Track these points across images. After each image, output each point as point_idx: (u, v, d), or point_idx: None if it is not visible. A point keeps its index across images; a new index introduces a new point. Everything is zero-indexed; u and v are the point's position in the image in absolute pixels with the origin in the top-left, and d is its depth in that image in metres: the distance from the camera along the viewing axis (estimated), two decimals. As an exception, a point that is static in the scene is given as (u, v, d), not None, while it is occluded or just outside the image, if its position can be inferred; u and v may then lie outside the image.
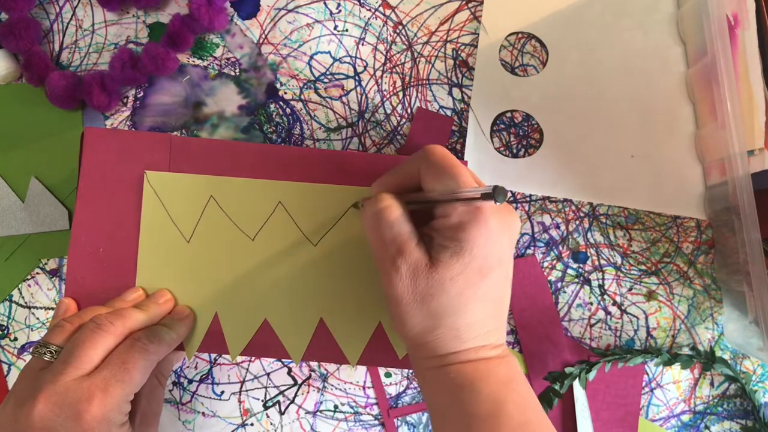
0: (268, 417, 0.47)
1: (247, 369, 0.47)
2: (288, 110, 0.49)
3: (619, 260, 0.49)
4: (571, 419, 0.47)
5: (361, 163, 0.43)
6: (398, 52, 0.50)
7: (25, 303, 0.48)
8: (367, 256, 0.42)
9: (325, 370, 0.48)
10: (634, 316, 0.48)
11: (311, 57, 0.50)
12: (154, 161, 0.42)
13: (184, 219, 0.42)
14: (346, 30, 0.50)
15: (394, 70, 0.50)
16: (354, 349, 0.42)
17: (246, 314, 0.42)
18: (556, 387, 0.44)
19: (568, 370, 0.44)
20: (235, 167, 0.42)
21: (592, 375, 0.44)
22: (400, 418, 0.47)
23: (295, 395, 0.48)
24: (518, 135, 0.49)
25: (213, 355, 0.48)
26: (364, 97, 0.49)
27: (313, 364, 0.48)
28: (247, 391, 0.47)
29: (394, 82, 0.50)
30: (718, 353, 0.48)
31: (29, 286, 0.48)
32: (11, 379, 0.47)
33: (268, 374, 0.47)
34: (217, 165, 0.42)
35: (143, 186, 0.42)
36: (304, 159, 0.43)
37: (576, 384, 0.46)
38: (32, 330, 0.48)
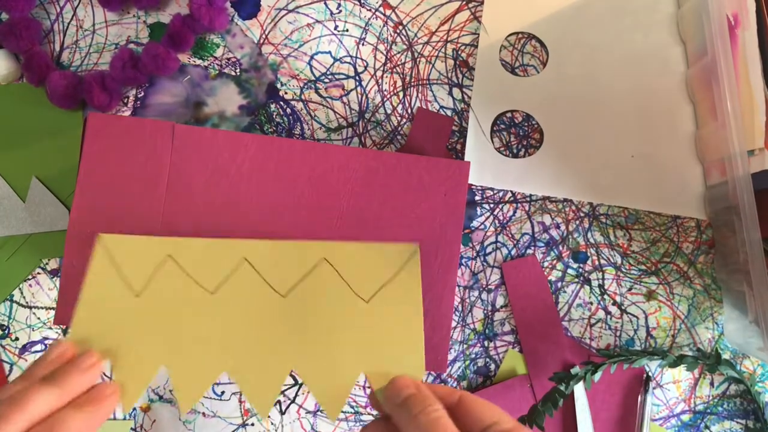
0: (268, 417, 0.47)
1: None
2: (288, 110, 0.49)
3: (619, 260, 0.49)
4: (572, 419, 0.47)
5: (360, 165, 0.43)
6: (399, 52, 0.50)
7: (26, 303, 0.48)
8: (343, 305, 0.39)
9: (326, 369, 0.48)
10: (634, 315, 0.48)
11: (312, 57, 0.50)
12: (156, 148, 0.42)
13: (136, 275, 0.39)
14: (347, 30, 0.50)
15: (394, 70, 0.50)
16: (333, 401, 0.38)
17: (202, 367, 0.38)
18: (562, 388, 0.44)
19: (573, 371, 0.44)
20: (233, 161, 0.42)
21: (597, 376, 0.44)
22: (400, 418, 0.47)
23: (296, 395, 0.48)
24: (518, 135, 0.49)
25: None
26: (364, 97, 0.50)
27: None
28: (247, 390, 0.47)
29: (395, 82, 0.50)
30: (720, 353, 0.48)
31: (30, 286, 0.48)
32: (13, 379, 0.47)
33: (268, 374, 0.47)
34: (218, 157, 0.42)
35: (94, 248, 0.39)
36: (299, 156, 0.43)
37: (577, 384, 0.46)
38: (33, 330, 0.48)
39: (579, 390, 0.47)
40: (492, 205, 0.49)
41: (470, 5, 0.51)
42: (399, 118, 0.49)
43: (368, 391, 0.48)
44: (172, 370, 0.38)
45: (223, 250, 0.40)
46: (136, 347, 0.37)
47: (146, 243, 0.39)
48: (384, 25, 0.50)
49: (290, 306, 0.39)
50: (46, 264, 0.48)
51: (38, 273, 0.48)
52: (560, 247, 0.49)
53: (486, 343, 0.48)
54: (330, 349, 0.39)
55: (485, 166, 0.49)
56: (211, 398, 0.47)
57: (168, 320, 0.38)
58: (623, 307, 0.48)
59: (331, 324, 0.39)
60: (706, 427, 0.48)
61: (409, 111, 0.49)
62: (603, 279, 0.49)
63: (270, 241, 0.40)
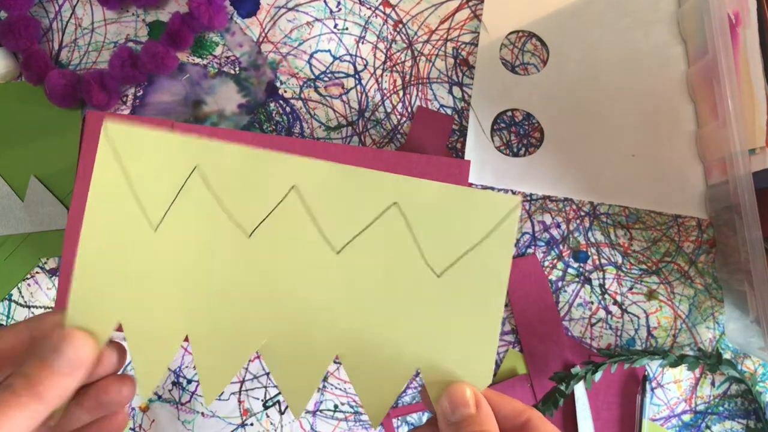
0: (268, 417, 0.47)
1: (247, 369, 0.47)
2: (288, 109, 0.49)
3: (619, 259, 0.48)
4: (572, 419, 0.47)
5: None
6: (398, 51, 0.50)
7: (25, 302, 0.48)
8: (407, 276, 0.30)
9: (325, 369, 0.48)
10: (635, 315, 0.48)
11: (311, 55, 0.50)
12: None
13: (153, 196, 0.29)
14: (346, 28, 0.50)
15: (394, 68, 0.50)
16: (378, 402, 0.30)
17: (230, 344, 0.30)
18: (562, 387, 0.44)
19: (574, 370, 0.44)
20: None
21: (598, 376, 0.44)
22: (400, 418, 0.47)
23: (295, 395, 0.47)
24: (519, 134, 0.49)
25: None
26: (364, 95, 0.49)
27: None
28: (246, 390, 0.47)
29: (395, 81, 0.50)
30: (721, 353, 0.48)
31: (29, 285, 0.48)
32: None
33: (267, 374, 0.47)
34: None
35: (98, 149, 0.29)
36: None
37: (577, 384, 0.46)
38: (31, 329, 0.47)
39: (579, 390, 0.46)
40: (492, 205, 0.49)
41: (470, 4, 0.50)
42: (399, 117, 0.49)
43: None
44: (197, 347, 0.29)
45: (267, 166, 0.29)
46: (151, 308, 0.29)
47: (168, 142, 0.29)
48: (384, 24, 0.50)
49: (344, 267, 0.30)
50: (45, 263, 0.48)
51: (37, 272, 0.48)
52: (561, 247, 0.49)
53: (486, 342, 0.48)
54: (383, 335, 0.30)
55: (485, 165, 0.49)
56: (210, 398, 0.47)
57: (191, 273, 0.29)
58: (624, 307, 0.48)
59: (393, 297, 0.30)
60: (707, 427, 0.48)
61: (409, 110, 0.49)
62: (604, 278, 0.48)
63: (329, 163, 0.29)
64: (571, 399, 0.47)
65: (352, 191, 0.29)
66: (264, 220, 0.30)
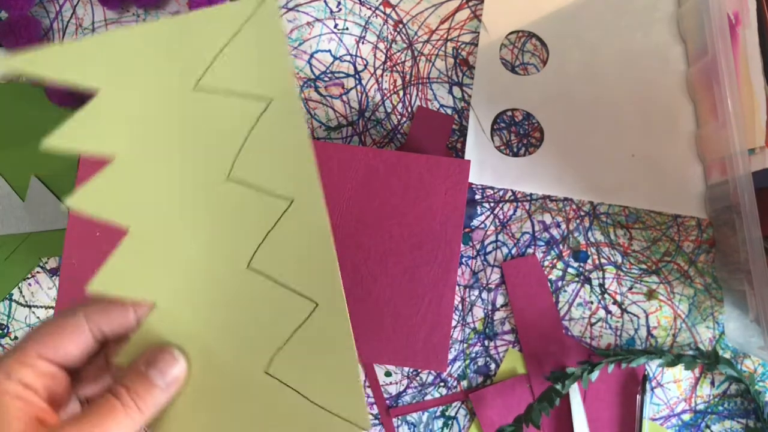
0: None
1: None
2: (288, 109, 0.49)
3: (619, 259, 0.49)
4: (567, 419, 0.47)
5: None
6: (398, 51, 0.50)
7: (26, 302, 0.48)
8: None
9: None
10: (635, 315, 0.48)
11: (311, 55, 0.50)
12: None
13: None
14: (347, 28, 0.50)
15: (394, 68, 0.50)
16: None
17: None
18: (558, 387, 0.44)
19: (569, 370, 0.44)
20: None
21: (594, 375, 0.44)
22: (400, 417, 0.47)
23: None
24: (519, 134, 0.49)
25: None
26: (364, 95, 0.49)
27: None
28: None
29: (395, 81, 0.50)
30: (719, 353, 0.48)
31: (29, 285, 0.48)
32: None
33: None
34: None
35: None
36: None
37: (574, 384, 0.46)
38: (32, 329, 0.47)
39: (573, 390, 0.46)
40: (492, 204, 0.49)
41: (470, 4, 0.50)
42: (399, 117, 0.49)
43: (368, 390, 0.48)
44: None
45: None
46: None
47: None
48: (384, 24, 0.50)
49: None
50: (46, 263, 0.48)
51: (37, 272, 0.48)
52: (561, 246, 0.49)
53: (486, 342, 0.48)
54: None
55: (485, 164, 0.49)
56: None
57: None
58: (624, 307, 0.48)
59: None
60: (707, 426, 0.48)
61: (409, 109, 0.49)
62: (603, 278, 0.48)
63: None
64: (566, 399, 0.47)
65: None
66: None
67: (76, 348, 0.27)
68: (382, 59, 0.50)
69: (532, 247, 0.49)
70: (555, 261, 0.48)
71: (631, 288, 0.48)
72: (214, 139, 0.27)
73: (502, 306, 0.48)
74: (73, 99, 0.47)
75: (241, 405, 0.28)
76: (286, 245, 0.28)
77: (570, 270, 0.48)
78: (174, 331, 0.28)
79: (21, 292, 0.48)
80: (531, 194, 0.49)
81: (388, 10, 0.50)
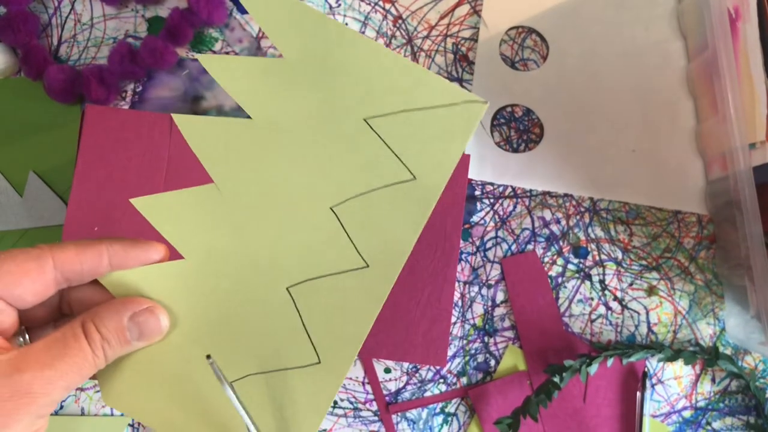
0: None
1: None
2: (287, 105, 0.49)
3: (619, 255, 0.48)
4: (569, 417, 0.46)
5: None
6: (398, 47, 0.50)
7: (23, 298, 0.48)
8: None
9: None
10: (635, 311, 0.48)
11: (311, 51, 0.50)
12: (154, 141, 0.42)
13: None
14: (346, 24, 0.50)
15: (393, 64, 0.50)
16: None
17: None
18: (556, 379, 0.43)
19: (567, 363, 0.44)
20: None
21: (593, 369, 0.44)
22: (399, 414, 0.47)
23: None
24: (519, 129, 0.49)
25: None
26: (363, 91, 0.49)
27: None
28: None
29: (394, 77, 0.49)
30: (720, 349, 0.48)
31: (27, 281, 0.48)
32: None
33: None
34: None
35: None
36: None
37: (572, 377, 0.46)
38: None
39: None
40: (492, 200, 0.49)
41: (470, -1, 0.50)
42: (398, 113, 0.49)
43: (368, 387, 0.47)
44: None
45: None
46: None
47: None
48: (383, 19, 0.50)
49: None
50: (44, 259, 0.48)
51: (35, 268, 0.48)
52: (561, 243, 0.48)
53: (486, 338, 0.48)
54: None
55: (485, 160, 0.48)
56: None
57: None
58: (624, 303, 0.48)
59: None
60: (708, 423, 0.47)
61: (409, 105, 0.49)
62: (604, 274, 0.48)
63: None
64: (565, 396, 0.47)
65: None
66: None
67: (31, 295, 0.26)
68: (382, 55, 0.50)
69: (532, 243, 0.48)
70: (555, 257, 0.48)
71: (631, 284, 0.48)
72: (346, 163, 0.28)
73: (501, 302, 0.48)
74: (72, 95, 0.47)
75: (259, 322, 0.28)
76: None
77: (570, 266, 0.48)
78: (175, 288, 0.28)
79: (19, 288, 0.47)
80: (531, 190, 0.49)
81: (387, 6, 0.50)
